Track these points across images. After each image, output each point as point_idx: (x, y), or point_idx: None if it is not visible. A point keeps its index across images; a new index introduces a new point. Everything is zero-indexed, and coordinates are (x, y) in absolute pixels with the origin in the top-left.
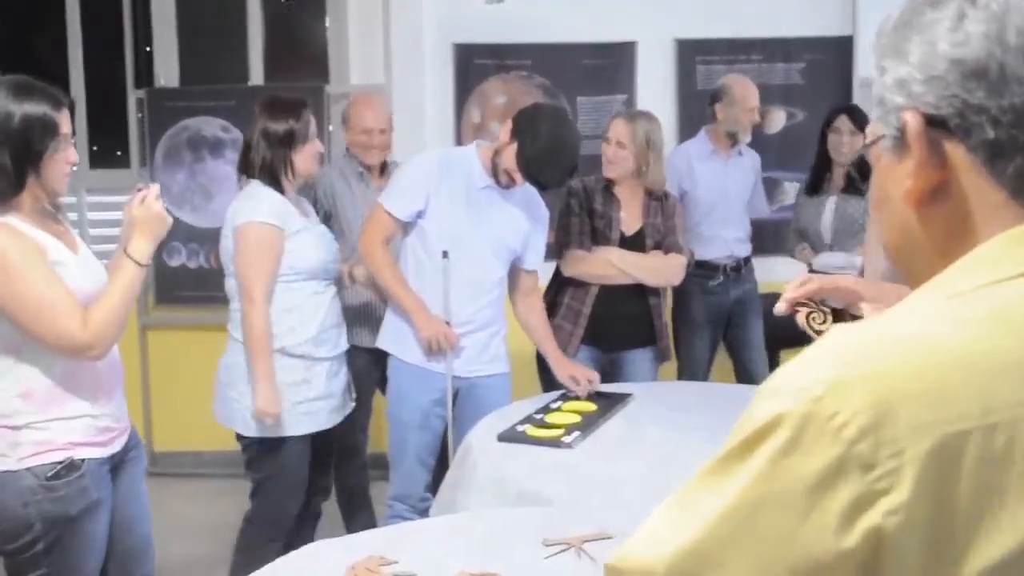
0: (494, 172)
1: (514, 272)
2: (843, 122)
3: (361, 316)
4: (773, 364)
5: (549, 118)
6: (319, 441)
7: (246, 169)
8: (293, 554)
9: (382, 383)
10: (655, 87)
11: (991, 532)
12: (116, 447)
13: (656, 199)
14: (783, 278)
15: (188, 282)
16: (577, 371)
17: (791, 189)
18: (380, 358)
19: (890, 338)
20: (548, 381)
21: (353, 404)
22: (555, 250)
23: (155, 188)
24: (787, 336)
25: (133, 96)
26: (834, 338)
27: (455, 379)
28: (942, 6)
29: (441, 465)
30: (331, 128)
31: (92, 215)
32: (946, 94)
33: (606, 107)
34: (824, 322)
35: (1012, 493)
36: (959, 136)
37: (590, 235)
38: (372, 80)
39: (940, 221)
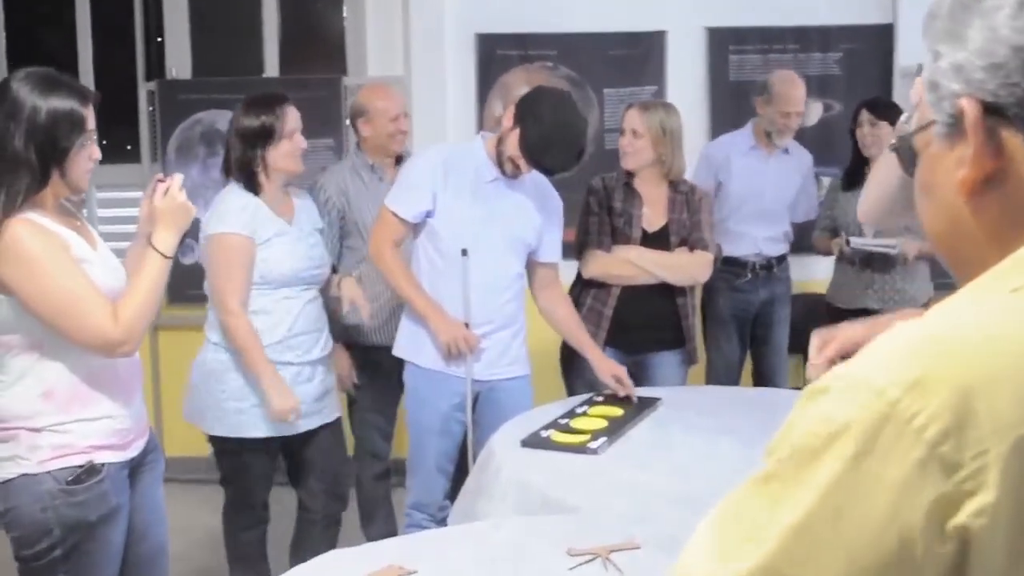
0: (499, 162)
1: (531, 266)
2: (864, 115)
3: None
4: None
5: (551, 100)
6: (303, 447)
7: (227, 170)
8: (311, 563)
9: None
10: (685, 78)
11: None
12: (135, 451)
13: (681, 193)
14: (820, 277)
15: (201, 281)
16: (621, 371)
17: (828, 184)
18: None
19: (962, 335)
20: (572, 383)
21: (337, 413)
22: (575, 251)
23: (178, 178)
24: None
25: (144, 89)
26: (900, 336)
27: (475, 383)
28: None
29: (460, 472)
30: (348, 122)
31: (102, 212)
32: (1007, 82)
33: (634, 99)
34: None
35: None
36: (1017, 125)
37: (610, 234)
38: (391, 72)
39: (993, 210)
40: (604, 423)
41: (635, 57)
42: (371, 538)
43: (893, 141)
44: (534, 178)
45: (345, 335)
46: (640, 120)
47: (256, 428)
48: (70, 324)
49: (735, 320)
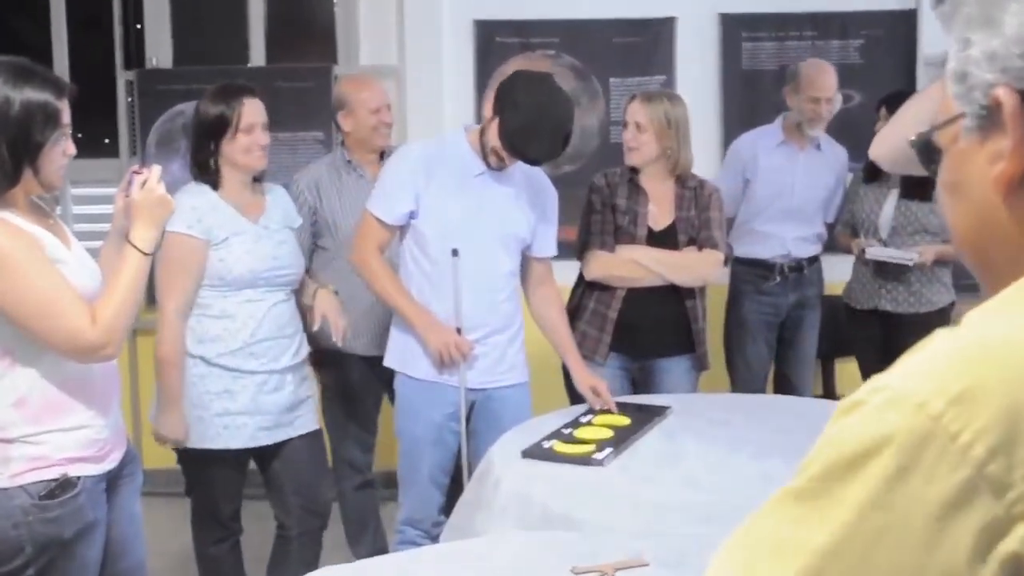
0: (484, 154)
1: (524, 262)
2: (883, 113)
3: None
4: (827, 375)
5: (529, 85)
6: (275, 461)
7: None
8: None
9: (391, 393)
10: (696, 67)
11: None
12: (112, 463)
13: (689, 189)
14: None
15: None
16: (601, 384)
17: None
18: (383, 368)
19: (1009, 344)
20: (576, 392)
21: (314, 425)
22: (576, 251)
23: (156, 170)
24: (843, 345)
25: (122, 78)
26: (944, 343)
27: (469, 391)
28: None
29: (454, 485)
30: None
31: (77, 209)
32: None
33: (641, 90)
34: None
35: None
36: None
37: (613, 233)
38: (384, 60)
39: None
40: (610, 433)
41: (643, 45)
42: (359, 556)
43: (912, 138)
44: (525, 170)
45: (313, 340)
46: (643, 112)
47: (219, 439)
48: (45, 327)
49: (762, 326)
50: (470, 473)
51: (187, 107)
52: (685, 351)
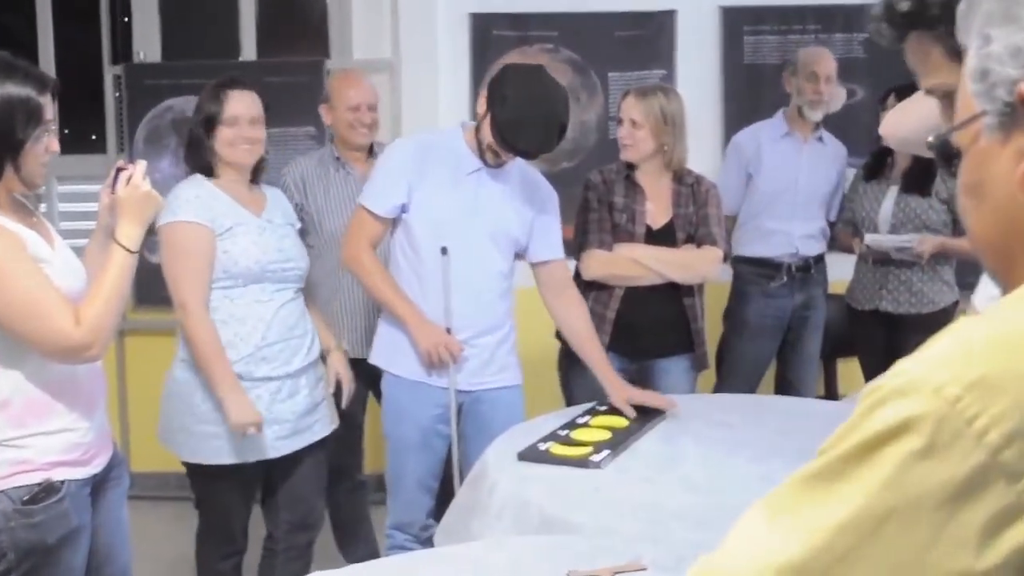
0: (480, 151)
1: (535, 269)
2: (891, 100)
3: (343, 323)
4: (829, 375)
5: (519, 76)
6: (276, 470)
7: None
8: None
9: (376, 392)
10: (697, 61)
11: None
12: (97, 467)
13: (686, 185)
14: (848, 277)
15: None
16: (637, 395)
17: (851, 176)
18: (366, 368)
19: None
20: (573, 391)
21: (330, 427)
22: (573, 250)
23: (141, 165)
24: (845, 345)
25: (110, 73)
26: (964, 332)
27: (459, 392)
28: None
29: (444, 489)
30: None
31: (64, 206)
32: None
33: (642, 84)
34: None
35: None
36: None
37: (611, 231)
38: (378, 54)
39: None
40: (608, 434)
41: (643, 39)
42: (350, 560)
43: (930, 139)
44: (523, 169)
45: None
46: (638, 108)
47: (231, 454)
48: (28, 328)
49: (767, 328)
50: (461, 478)
51: (176, 103)
52: (684, 351)
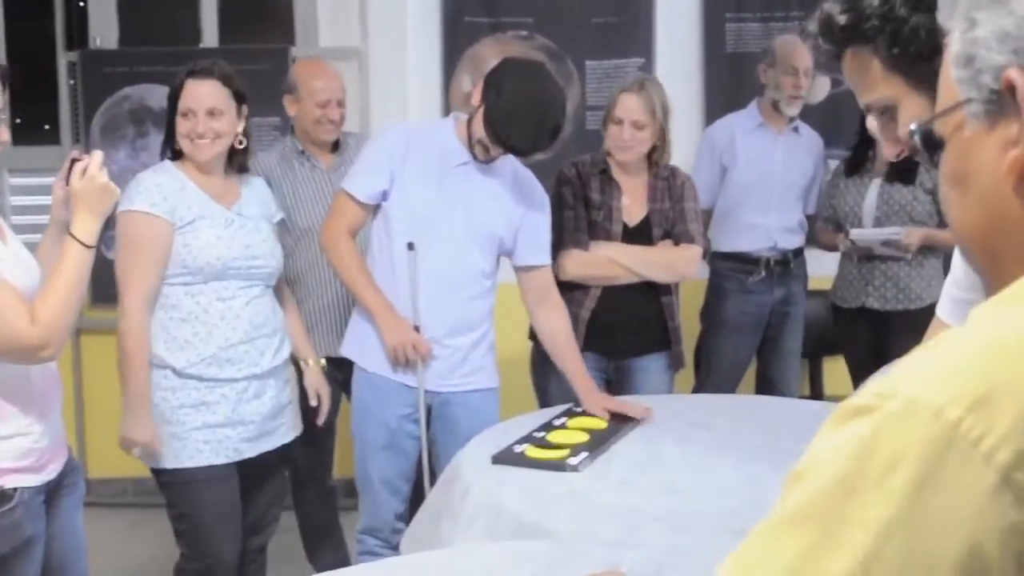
0: (470, 145)
1: (522, 273)
2: None
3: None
4: (815, 375)
5: (518, 71)
6: (243, 472)
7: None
8: None
9: (349, 393)
10: (677, 49)
11: None
12: (51, 473)
13: (662, 179)
14: (831, 273)
15: None
16: (612, 404)
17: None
18: (340, 367)
19: (1021, 343)
20: (547, 393)
21: (294, 433)
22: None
23: (97, 156)
24: (830, 342)
25: (64, 59)
26: (954, 344)
27: (427, 393)
28: None
29: (417, 493)
30: None
31: (15, 200)
32: None
33: (619, 72)
34: None
35: None
36: None
37: (587, 230)
38: (345, 42)
39: None
40: (585, 437)
41: (621, 25)
42: (318, 569)
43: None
44: (516, 167)
45: None
46: (642, 108)
47: (199, 456)
48: None
49: (744, 327)
50: (432, 481)
51: (134, 91)
52: (661, 348)
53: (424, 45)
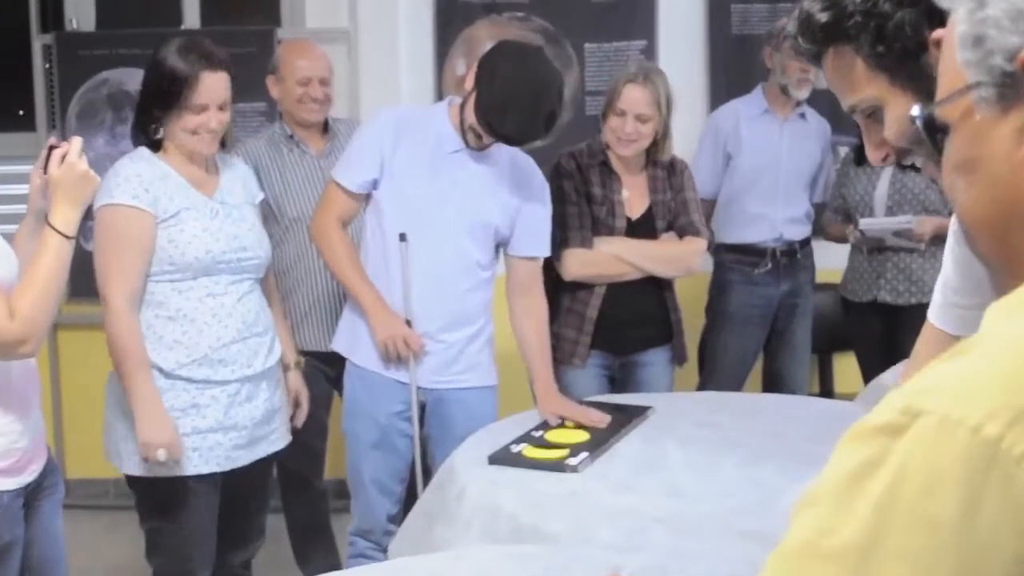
0: (463, 131)
1: (514, 263)
2: None
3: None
4: (824, 371)
5: (513, 54)
6: (230, 482)
7: None
8: None
9: (340, 389)
10: (680, 32)
11: None
12: (31, 475)
13: (662, 169)
14: (840, 265)
15: None
16: (568, 409)
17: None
18: (331, 363)
19: None
20: None
21: (285, 440)
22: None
23: (77, 142)
24: (840, 338)
25: (38, 42)
26: (978, 357)
27: (421, 390)
28: None
29: (411, 494)
30: None
31: None
32: None
33: (620, 56)
34: None
35: None
36: None
37: (591, 227)
38: (333, 23)
39: None
40: (586, 436)
41: (621, 6)
42: (308, 573)
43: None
44: (513, 154)
45: None
46: (646, 99)
47: (188, 464)
48: None
49: (750, 321)
50: (425, 481)
51: (112, 75)
52: (664, 342)
53: (416, 26)
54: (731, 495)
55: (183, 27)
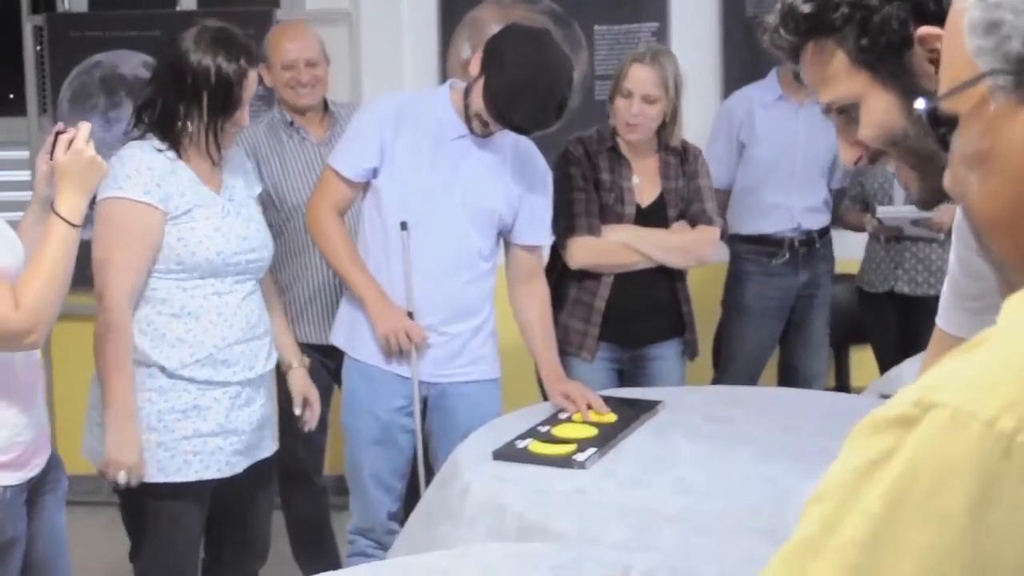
0: (467, 117)
1: (514, 251)
2: None
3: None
4: (841, 364)
5: (522, 41)
6: (222, 492)
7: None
8: None
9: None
10: (693, 13)
11: None
12: (35, 469)
13: (674, 155)
14: (858, 255)
15: None
16: (573, 388)
17: None
18: (331, 356)
19: None
20: None
21: (274, 447)
22: (556, 234)
23: (84, 128)
24: (857, 330)
25: (29, 23)
26: (993, 349)
27: (424, 384)
28: None
29: (412, 491)
30: None
31: None
32: None
33: (630, 39)
34: None
35: None
36: None
37: (598, 214)
38: (334, 4)
39: None
40: (594, 431)
41: None
42: (307, 572)
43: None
44: (516, 140)
45: None
46: (654, 81)
47: (188, 469)
48: None
49: (767, 313)
50: (428, 478)
51: (105, 57)
52: (676, 335)
53: (420, 8)
54: (743, 492)
55: (178, 8)
